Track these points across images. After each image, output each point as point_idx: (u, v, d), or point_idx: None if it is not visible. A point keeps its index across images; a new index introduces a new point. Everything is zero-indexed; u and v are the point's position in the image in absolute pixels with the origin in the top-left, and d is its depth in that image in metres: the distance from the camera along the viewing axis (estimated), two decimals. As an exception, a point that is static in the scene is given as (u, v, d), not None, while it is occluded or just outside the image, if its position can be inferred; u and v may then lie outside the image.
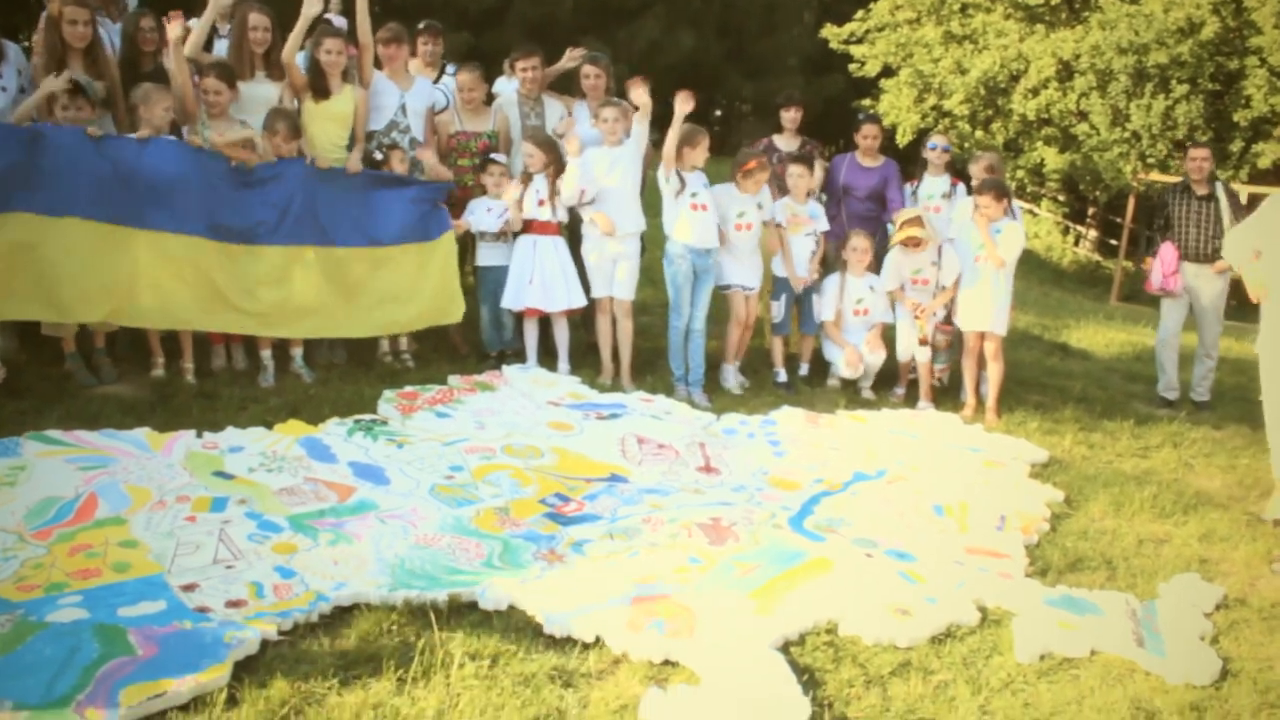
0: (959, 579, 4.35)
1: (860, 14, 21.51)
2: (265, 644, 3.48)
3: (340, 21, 9.26)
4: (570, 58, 7.41)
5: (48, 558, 3.93)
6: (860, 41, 21.55)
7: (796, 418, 6.51)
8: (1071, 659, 3.85)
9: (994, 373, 7.06)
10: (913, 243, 7.10)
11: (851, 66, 21.67)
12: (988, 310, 7.00)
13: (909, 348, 7.29)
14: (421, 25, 7.55)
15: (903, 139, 20.03)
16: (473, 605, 3.85)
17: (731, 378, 7.16)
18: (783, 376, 7.35)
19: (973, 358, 7.12)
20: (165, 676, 3.18)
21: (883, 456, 5.92)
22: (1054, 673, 3.76)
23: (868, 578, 4.31)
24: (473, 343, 7.39)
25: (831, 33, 21.78)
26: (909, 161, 9.05)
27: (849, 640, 3.83)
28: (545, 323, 7.09)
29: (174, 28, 5.99)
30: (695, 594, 4.01)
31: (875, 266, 7.48)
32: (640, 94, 6.60)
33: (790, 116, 7.86)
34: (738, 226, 7.03)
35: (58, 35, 5.89)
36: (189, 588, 3.77)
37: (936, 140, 7.93)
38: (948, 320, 7.26)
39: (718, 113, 26.56)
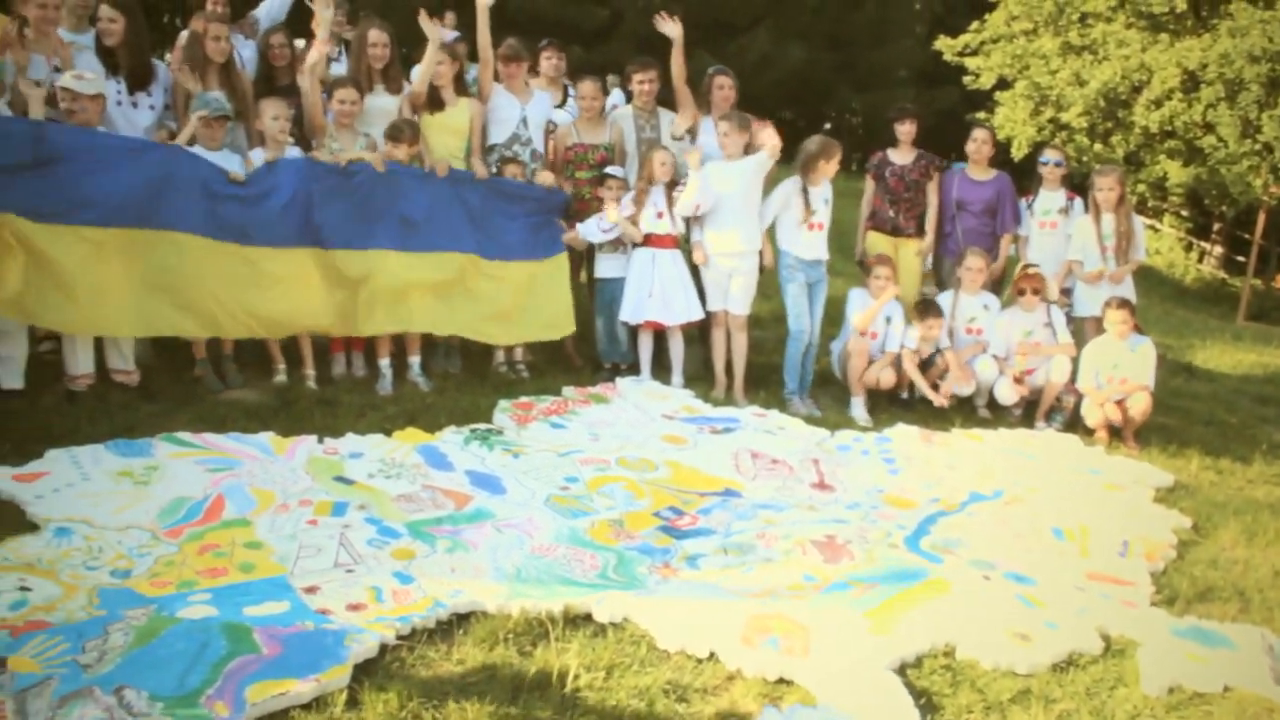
0: (1080, 605, 4.21)
1: (975, 25, 21.14)
2: (384, 648, 3.53)
3: (451, 35, 9.45)
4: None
5: (179, 555, 4.06)
6: (975, 53, 21.17)
7: (911, 435, 6.41)
8: (1203, 694, 3.68)
9: (1137, 404, 6.74)
10: (1034, 292, 6.99)
11: (965, 79, 21.30)
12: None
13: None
14: (544, 42, 7.66)
15: (1018, 152, 19.61)
16: (587, 617, 3.85)
17: (859, 409, 6.97)
18: (904, 394, 7.23)
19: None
20: (289, 676, 3.25)
21: (999, 477, 5.78)
22: (1185, 707, 3.60)
23: (986, 601, 4.19)
24: (586, 355, 7.44)
25: (945, 44, 21.44)
26: (1025, 177, 8.84)
27: (967, 664, 3.73)
28: (659, 336, 7.10)
29: (312, 52, 6.22)
30: (810, 611, 3.95)
31: (990, 285, 7.34)
32: (768, 135, 6.58)
33: (905, 130, 7.74)
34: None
35: (201, 50, 6.13)
36: (311, 590, 3.85)
37: (1050, 155, 7.75)
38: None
39: (827, 126, 26.37)
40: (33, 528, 4.24)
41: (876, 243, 7.70)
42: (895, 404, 7.15)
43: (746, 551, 4.51)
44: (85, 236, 5.49)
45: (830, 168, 6.98)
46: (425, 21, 6.63)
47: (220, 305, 5.92)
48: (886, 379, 6.96)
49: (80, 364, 5.76)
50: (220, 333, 6.08)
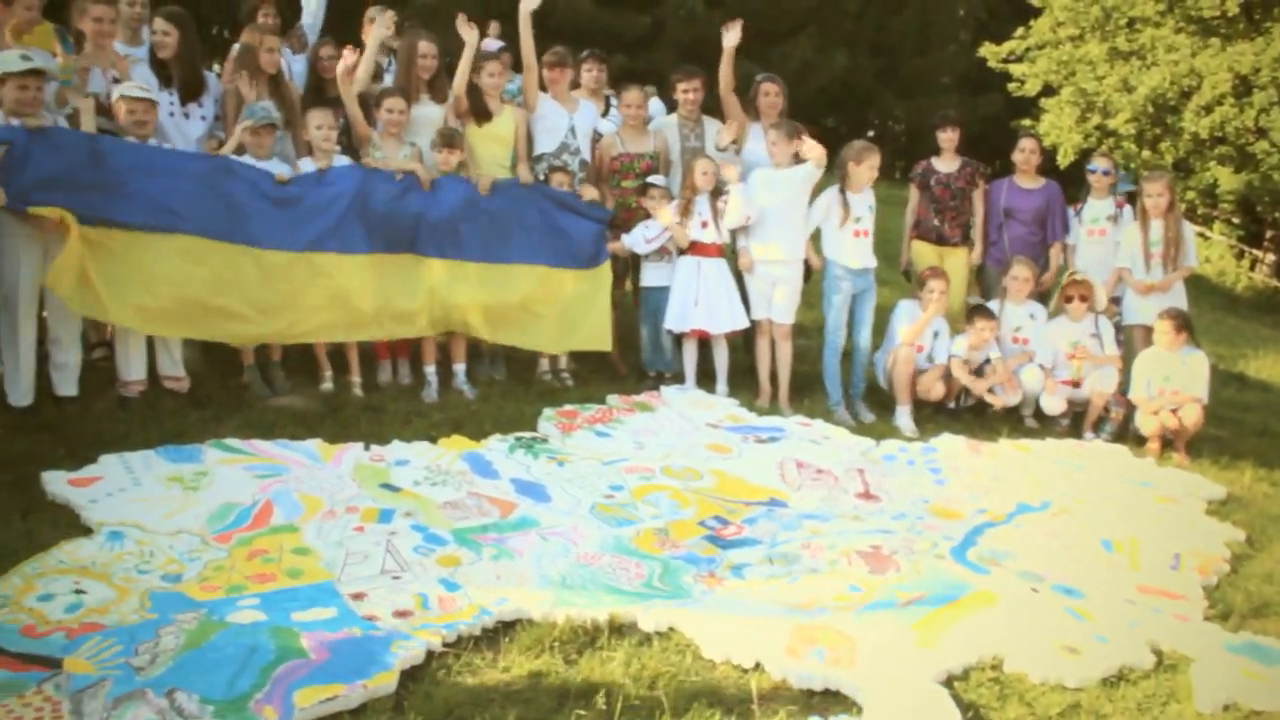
0: (1131, 619, 4.15)
1: (1020, 31, 20.94)
2: (430, 655, 3.55)
3: (497, 45, 9.51)
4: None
5: (228, 560, 4.11)
6: (1020, 60, 20.96)
7: (958, 446, 6.35)
8: (1260, 713, 3.61)
9: (1188, 416, 6.63)
10: (1081, 299, 6.93)
11: (1010, 86, 21.11)
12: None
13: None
14: (585, 53, 7.69)
15: (1064, 160, 19.40)
16: (633, 625, 3.85)
17: (905, 419, 6.91)
18: (951, 404, 7.18)
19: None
20: (337, 681, 3.28)
21: (1047, 488, 5.72)
22: (1241, 726, 3.56)
23: (1034, 613, 4.14)
24: (631, 363, 7.45)
25: (990, 51, 21.24)
26: (1070, 184, 8.74)
27: (1015, 677, 3.69)
28: (703, 344, 7.09)
29: (344, 61, 6.28)
30: (856, 623, 3.92)
31: (1037, 295, 7.28)
32: (810, 147, 6.59)
33: (947, 137, 7.66)
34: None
35: (254, 61, 6.22)
36: (358, 596, 3.88)
37: (1099, 163, 7.66)
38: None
39: (870, 133, 26.26)
40: (86, 531, 4.32)
41: (921, 252, 7.65)
42: (941, 414, 7.09)
43: (792, 562, 4.49)
44: (135, 241, 5.61)
45: (864, 171, 6.93)
46: (463, 25, 6.69)
47: (271, 311, 6.02)
48: (938, 390, 6.91)
49: (133, 370, 5.85)
50: (275, 339, 6.20)
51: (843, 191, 6.98)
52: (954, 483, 5.74)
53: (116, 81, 5.98)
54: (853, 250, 6.95)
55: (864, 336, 7.05)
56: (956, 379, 6.97)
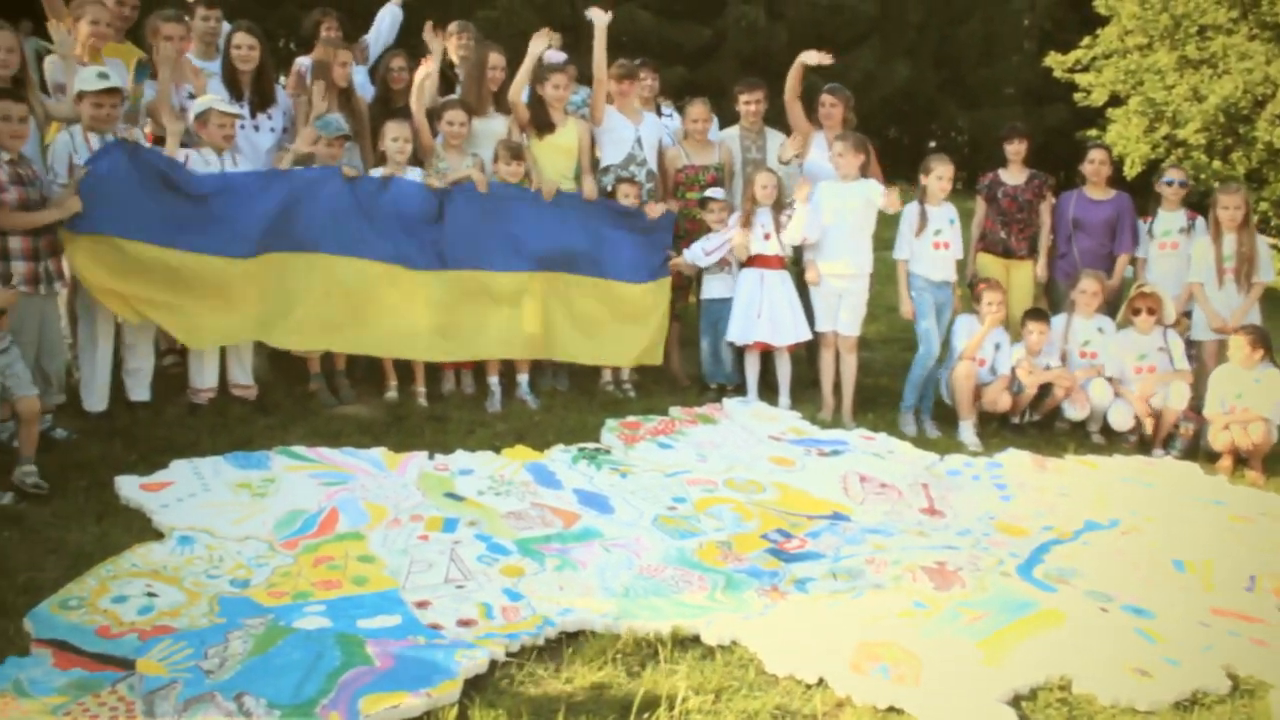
0: (1205, 642, 4.04)
1: (1086, 40, 20.59)
2: (494, 664, 3.56)
3: (559, 57, 9.55)
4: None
5: (295, 567, 4.17)
6: (1086, 69, 20.62)
7: (1023, 461, 6.25)
8: (1342, 740, 3.52)
9: (1255, 434, 6.44)
10: (1149, 312, 6.81)
11: (1076, 96, 20.79)
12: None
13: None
14: (637, 61, 7.71)
15: (1131, 171, 19.04)
16: (696, 639, 3.83)
17: (968, 433, 6.82)
18: (1015, 418, 7.07)
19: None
20: (401, 689, 3.30)
21: (1116, 505, 5.59)
22: (1325, 754, 3.45)
23: (1103, 633, 4.06)
24: (692, 375, 7.44)
25: (1055, 61, 20.91)
26: (1138, 195, 8.57)
27: (1083, 699, 3.62)
28: (765, 356, 7.06)
29: (420, 71, 6.37)
30: (921, 639, 3.88)
31: (1105, 308, 7.17)
32: (888, 197, 6.63)
33: (1014, 149, 7.55)
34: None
35: (328, 75, 6.33)
36: (422, 604, 3.91)
37: (1173, 175, 7.50)
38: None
39: (932, 144, 26.01)
40: (158, 535, 4.41)
41: (987, 265, 7.55)
42: (1006, 429, 6.99)
43: (856, 576, 4.44)
44: (210, 262, 5.75)
45: (932, 182, 6.95)
46: (539, 37, 6.73)
47: (336, 324, 6.14)
48: (1005, 401, 6.82)
49: (205, 378, 5.97)
50: (338, 348, 6.32)
51: (921, 202, 6.99)
52: (1019, 499, 5.64)
53: (191, 97, 6.10)
54: (932, 262, 6.95)
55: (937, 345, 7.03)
56: (1025, 392, 6.86)
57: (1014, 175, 7.57)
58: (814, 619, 4.01)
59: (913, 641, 3.85)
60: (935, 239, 6.95)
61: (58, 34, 5.81)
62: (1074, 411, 6.92)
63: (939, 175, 6.97)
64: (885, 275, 7.30)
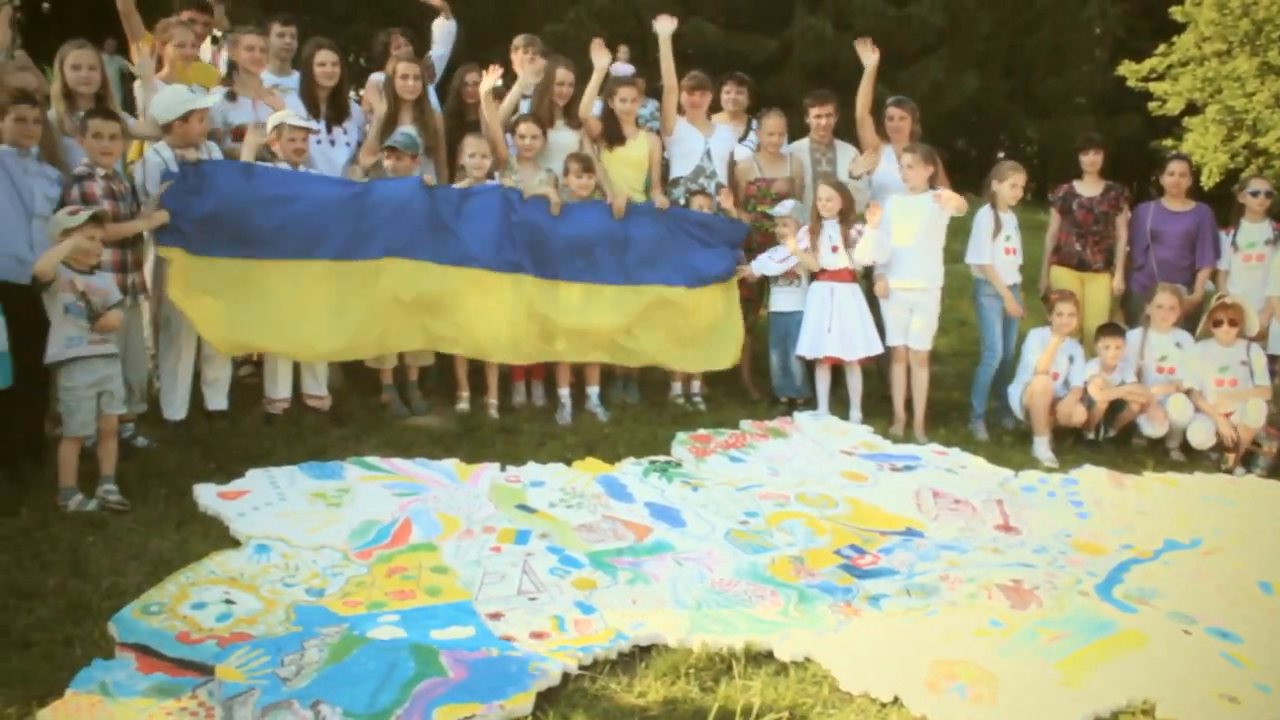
0: (1297, 667, 3.92)
1: (1162, 48, 20.20)
2: (566, 677, 3.56)
3: (628, 69, 9.57)
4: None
5: (369, 577, 4.21)
6: (1161, 78, 20.24)
7: (1100, 478, 6.12)
8: None
9: None
10: (1231, 323, 6.66)
11: (1151, 105, 20.41)
12: None
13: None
14: (727, 75, 7.71)
15: (1208, 181, 18.64)
16: (769, 654, 3.80)
17: (1043, 449, 6.69)
18: (1090, 434, 6.94)
19: None
20: (474, 700, 3.32)
21: (1197, 524, 5.44)
22: None
23: (1187, 657, 3.95)
24: (762, 388, 7.40)
25: (1129, 70, 20.55)
26: (1215, 205, 8.36)
27: (1168, 724, 3.52)
28: (836, 370, 7.01)
29: (486, 81, 6.42)
30: (997, 659, 3.81)
31: (1183, 322, 7.03)
32: (950, 198, 6.58)
33: (1090, 160, 7.43)
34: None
35: (393, 91, 6.40)
36: (495, 616, 3.92)
37: (1258, 185, 7.32)
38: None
39: (1001, 155, 25.69)
40: (235, 543, 4.48)
41: (1061, 278, 7.44)
42: (1081, 445, 6.85)
43: (930, 594, 4.37)
44: (288, 270, 5.87)
45: (1005, 189, 6.93)
46: (597, 49, 6.75)
47: (414, 329, 6.24)
48: (1079, 414, 6.69)
49: (280, 388, 6.07)
50: (416, 345, 6.38)
51: (993, 208, 6.99)
52: (1097, 516, 5.52)
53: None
54: (1004, 267, 6.96)
55: (1011, 350, 7.04)
56: (1097, 406, 6.72)
57: (1089, 187, 7.45)
58: (888, 636, 3.95)
59: (989, 661, 3.78)
60: (1006, 244, 6.95)
61: (139, 57, 5.95)
62: (1151, 428, 6.77)
63: (1013, 183, 6.94)
64: (956, 288, 7.22)
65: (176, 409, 5.77)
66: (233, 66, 6.39)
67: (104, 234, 4.90)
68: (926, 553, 4.84)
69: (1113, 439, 6.93)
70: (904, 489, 5.64)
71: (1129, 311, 7.49)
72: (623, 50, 11.69)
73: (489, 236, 6.29)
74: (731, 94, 7.60)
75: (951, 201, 6.59)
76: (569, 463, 5.68)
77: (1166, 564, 4.90)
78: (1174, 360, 6.88)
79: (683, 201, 6.93)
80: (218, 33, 7.20)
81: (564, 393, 6.63)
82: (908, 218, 6.71)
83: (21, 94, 4.99)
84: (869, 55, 7.16)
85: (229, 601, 3.90)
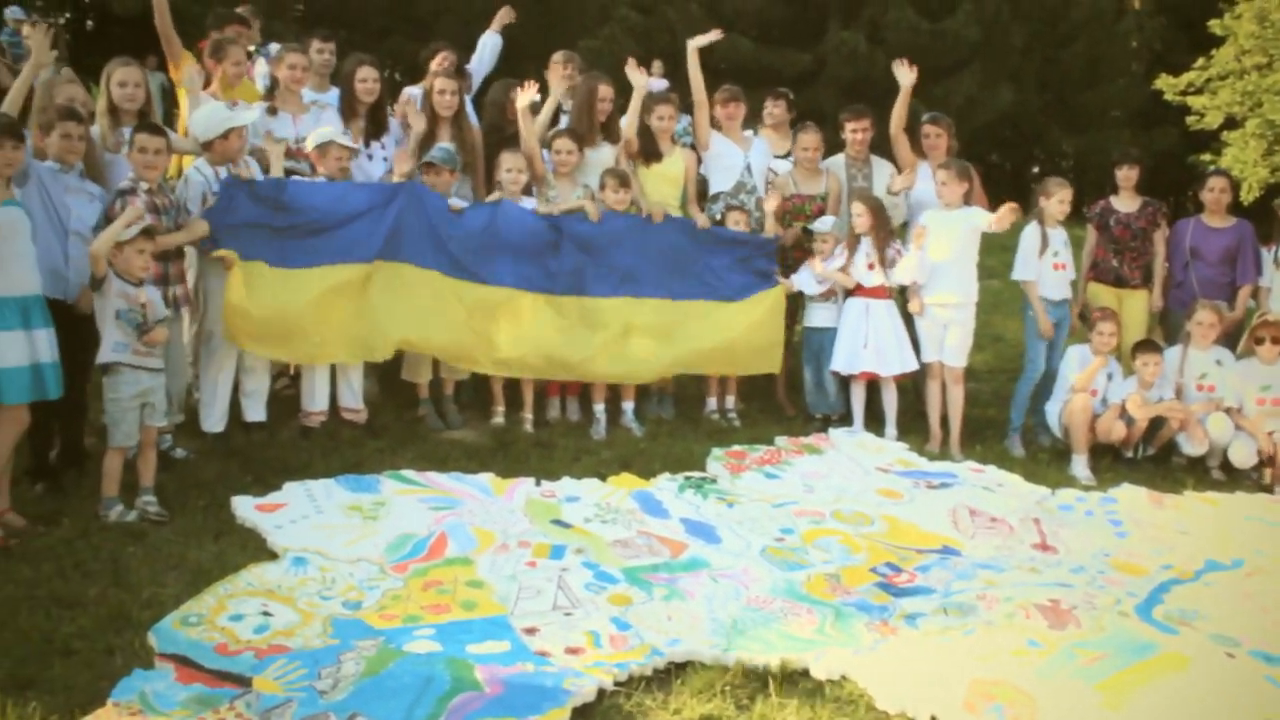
0: (1343, 692, 3.86)
1: (1200, 62, 20.03)
2: (602, 693, 3.56)
3: (662, 84, 9.61)
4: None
5: (404, 590, 4.22)
6: (1200, 91, 20.05)
7: (1139, 497, 6.04)
8: None
9: None
10: (1273, 341, 6.59)
11: (1189, 119, 20.22)
12: None
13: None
14: (769, 90, 7.74)
15: (1247, 196, 18.45)
16: (805, 672, 3.79)
17: (1081, 467, 6.61)
18: (1129, 452, 6.87)
19: None
20: (510, 715, 3.33)
21: (1239, 544, 5.36)
22: None
23: (1230, 680, 3.89)
24: (797, 404, 7.37)
25: (1167, 83, 20.38)
26: (1254, 220, 8.26)
27: (1212, 748, 3.49)
28: (870, 386, 6.98)
29: (522, 96, 6.46)
30: (1035, 679, 3.77)
31: (1224, 339, 6.95)
32: (1002, 219, 6.51)
33: (1126, 175, 7.36)
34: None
35: (430, 106, 6.45)
36: (530, 631, 3.93)
37: None
38: None
39: (1035, 169, 25.56)
40: (272, 555, 4.52)
41: (1098, 294, 7.38)
42: (1119, 463, 6.78)
43: (967, 613, 4.34)
44: (322, 276, 5.90)
45: (1053, 205, 6.97)
46: (633, 69, 6.78)
47: (448, 340, 6.26)
48: (1119, 430, 6.63)
49: (317, 401, 6.11)
50: (453, 359, 6.42)
51: (1040, 224, 7.01)
52: (1136, 535, 5.45)
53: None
54: (1053, 283, 6.98)
55: (1055, 365, 6.99)
56: (1136, 424, 6.65)
57: (1126, 202, 7.39)
58: (925, 655, 3.93)
59: (1027, 681, 3.75)
60: (1055, 260, 6.95)
61: (178, 73, 6.02)
62: (1191, 447, 6.68)
63: (1060, 199, 6.97)
64: (991, 304, 7.18)
65: (215, 421, 5.83)
66: (274, 82, 6.46)
67: (153, 246, 4.97)
68: (963, 571, 4.80)
69: (1151, 457, 6.85)
70: (940, 507, 5.60)
71: (1168, 329, 7.42)
72: (657, 66, 11.78)
73: (519, 256, 6.34)
74: (774, 109, 7.63)
75: (1007, 220, 6.54)
76: (604, 478, 5.68)
77: (1208, 585, 4.83)
78: (1214, 378, 6.80)
79: (719, 217, 6.93)
80: (251, 47, 7.29)
81: (599, 408, 6.64)
82: (943, 233, 6.68)
83: (67, 111, 5.06)
84: (906, 75, 7.15)
85: (266, 613, 3.93)
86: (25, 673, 3.48)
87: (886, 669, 3.79)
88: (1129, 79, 23.06)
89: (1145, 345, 6.82)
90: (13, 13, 7.45)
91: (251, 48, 7.27)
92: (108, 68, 5.61)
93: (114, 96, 5.55)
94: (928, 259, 6.69)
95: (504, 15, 7.79)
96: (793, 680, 3.74)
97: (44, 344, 4.56)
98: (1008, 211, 6.45)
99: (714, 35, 7.00)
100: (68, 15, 15.83)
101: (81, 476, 5.12)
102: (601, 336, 6.50)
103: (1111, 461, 6.78)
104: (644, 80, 6.81)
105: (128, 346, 4.83)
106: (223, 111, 5.70)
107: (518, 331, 6.34)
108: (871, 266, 6.79)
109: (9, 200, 4.56)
